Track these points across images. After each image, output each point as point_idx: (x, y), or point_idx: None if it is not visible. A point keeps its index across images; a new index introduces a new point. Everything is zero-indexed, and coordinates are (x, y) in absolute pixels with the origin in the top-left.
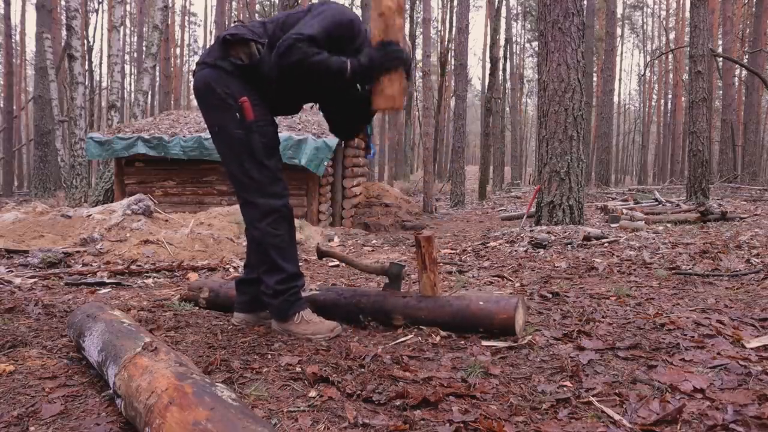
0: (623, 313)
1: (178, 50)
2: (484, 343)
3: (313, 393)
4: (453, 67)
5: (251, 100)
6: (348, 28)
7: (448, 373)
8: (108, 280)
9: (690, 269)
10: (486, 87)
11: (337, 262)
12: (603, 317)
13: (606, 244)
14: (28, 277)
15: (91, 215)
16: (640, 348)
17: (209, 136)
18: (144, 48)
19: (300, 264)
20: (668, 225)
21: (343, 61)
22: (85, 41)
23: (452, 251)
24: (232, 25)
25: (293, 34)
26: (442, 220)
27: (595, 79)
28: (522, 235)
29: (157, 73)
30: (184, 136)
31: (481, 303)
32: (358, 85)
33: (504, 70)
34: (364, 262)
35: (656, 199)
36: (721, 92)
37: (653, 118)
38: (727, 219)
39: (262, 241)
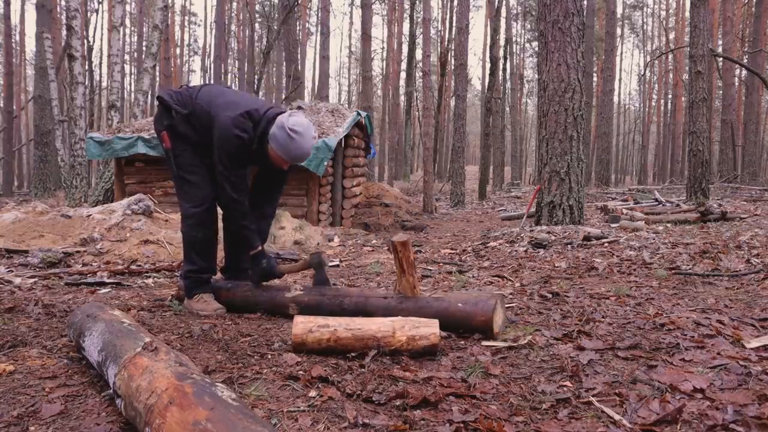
0: (623, 313)
1: (178, 50)
2: (484, 343)
3: (313, 393)
4: (453, 67)
5: (169, 134)
6: (241, 146)
7: (448, 373)
8: (108, 280)
9: (690, 269)
10: (486, 87)
11: (337, 262)
12: (603, 317)
13: (606, 244)
14: (28, 277)
15: (91, 215)
16: (640, 348)
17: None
18: (144, 48)
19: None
20: (668, 225)
21: (257, 243)
22: (85, 41)
23: (452, 251)
24: (179, 88)
25: (234, 198)
26: (442, 220)
27: (595, 79)
28: (522, 235)
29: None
30: None
31: (459, 305)
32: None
33: (504, 70)
34: (288, 265)
35: (656, 199)
36: (721, 92)
37: (653, 118)
38: (727, 219)
39: (183, 236)
